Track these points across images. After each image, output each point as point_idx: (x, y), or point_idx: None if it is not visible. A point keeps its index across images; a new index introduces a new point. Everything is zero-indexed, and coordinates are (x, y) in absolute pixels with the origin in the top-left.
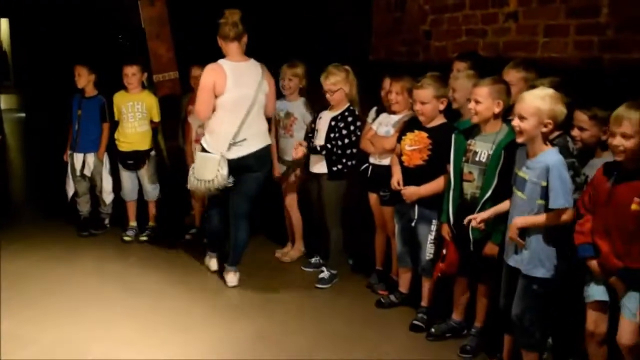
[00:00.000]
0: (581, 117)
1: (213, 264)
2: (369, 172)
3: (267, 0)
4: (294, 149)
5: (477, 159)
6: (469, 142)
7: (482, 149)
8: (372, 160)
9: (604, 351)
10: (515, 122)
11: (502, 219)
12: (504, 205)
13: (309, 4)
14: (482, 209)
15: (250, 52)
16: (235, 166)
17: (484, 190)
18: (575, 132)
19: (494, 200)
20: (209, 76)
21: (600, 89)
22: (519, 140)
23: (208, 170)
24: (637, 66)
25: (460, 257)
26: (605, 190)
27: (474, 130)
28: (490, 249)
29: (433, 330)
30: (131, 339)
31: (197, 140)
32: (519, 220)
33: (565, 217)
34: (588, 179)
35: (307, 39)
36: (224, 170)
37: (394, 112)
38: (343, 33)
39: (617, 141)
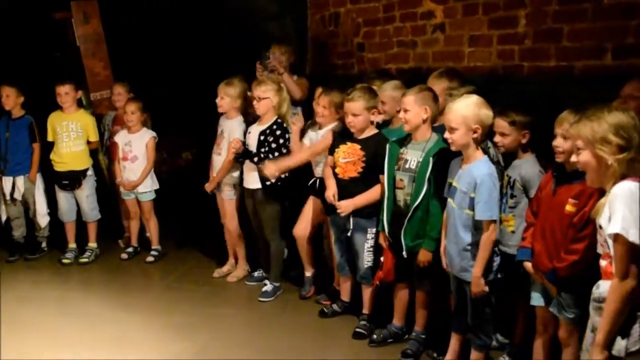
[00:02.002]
0: (501, 123)
1: None
2: (317, 185)
3: (202, 18)
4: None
5: (407, 166)
6: (401, 150)
7: (413, 156)
8: (318, 175)
9: (547, 347)
10: (446, 134)
11: (433, 226)
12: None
13: (246, 19)
14: (413, 216)
15: (189, 71)
16: None
17: (415, 197)
18: (497, 138)
19: (424, 207)
20: None
21: (520, 95)
22: (453, 148)
23: None
24: (553, 73)
25: (396, 264)
26: (548, 192)
27: (406, 140)
28: (424, 255)
29: (375, 336)
30: None
31: (125, 158)
32: (477, 271)
33: (491, 229)
34: (510, 179)
35: (245, 55)
36: None
37: (319, 126)
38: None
39: (557, 142)
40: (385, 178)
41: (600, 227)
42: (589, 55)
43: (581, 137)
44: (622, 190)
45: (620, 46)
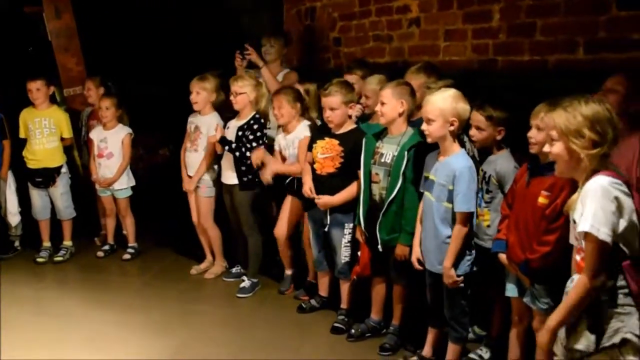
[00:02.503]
0: (478, 117)
1: None
2: (295, 185)
3: (176, 13)
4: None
5: (382, 160)
6: (377, 144)
7: (388, 150)
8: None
9: (522, 338)
10: (424, 125)
11: (408, 220)
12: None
13: (221, 14)
14: (388, 210)
15: (164, 66)
16: None
17: (390, 191)
18: (472, 132)
19: (399, 200)
20: None
21: (494, 89)
22: (430, 140)
23: None
24: (527, 67)
25: (373, 258)
26: (522, 184)
27: (382, 134)
28: (401, 249)
29: (353, 331)
30: None
31: (100, 155)
32: (447, 262)
33: (466, 221)
34: (486, 175)
35: (219, 50)
36: None
37: (283, 128)
38: (256, 44)
39: (532, 133)
40: (361, 172)
41: (575, 221)
42: (562, 49)
43: (555, 127)
44: (594, 186)
45: (592, 40)
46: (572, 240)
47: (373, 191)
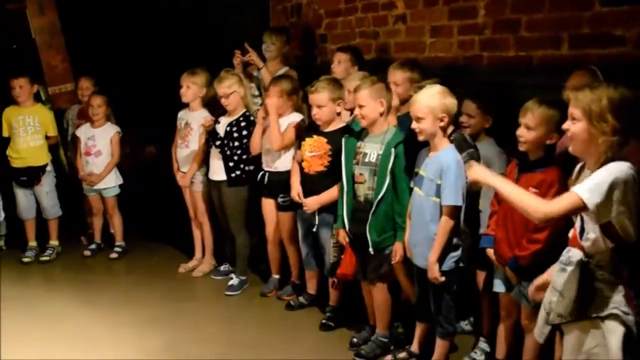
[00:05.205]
0: (470, 105)
1: None
2: (265, 180)
3: (162, 9)
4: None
5: (367, 160)
6: (358, 144)
7: (372, 150)
8: (266, 167)
9: (510, 333)
10: (413, 124)
11: (404, 217)
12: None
13: (207, 12)
14: (377, 210)
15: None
16: None
17: (377, 190)
18: (463, 118)
19: (388, 199)
20: None
21: (480, 85)
22: (421, 138)
23: None
24: (512, 63)
25: (358, 260)
26: (512, 180)
27: (362, 133)
28: (400, 247)
29: (363, 351)
30: None
31: (88, 153)
32: (432, 257)
33: (452, 215)
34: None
35: (206, 47)
36: None
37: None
38: (241, 40)
39: (520, 131)
40: (343, 173)
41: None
42: (546, 45)
43: (578, 107)
44: (614, 165)
45: (577, 36)
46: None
47: (357, 192)
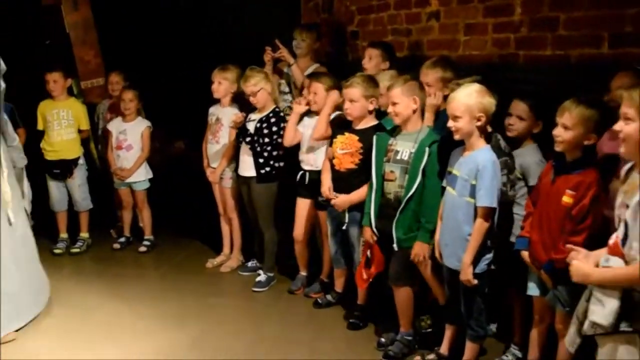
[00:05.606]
0: (521, 106)
1: None
2: (307, 179)
3: (193, 4)
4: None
5: (398, 157)
6: (390, 142)
7: (404, 147)
8: (307, 166)
9: (543, 338)
10: (450, 122)
11: (429, 218)
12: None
13: (237, 8)
14: (406, 207)
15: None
16: None
17: (408, 189)
18: (512, 121)
19: (418, 198)
20: None
21: (516, 84)
22: (456, 137)
23: None
24: (549, 62)
25: (386, 257)
26: (547, 181)
27: (394, 131)
28: (420, 247)
29: (391, 352)
30: (63, 354)
31: (119, 147)
32: (466, 258)
33: (487, 217)
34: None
35: (236, 43)
36: None
37: (315, 113)
38: (272, 36)
39: (557, 131)
40: (373, 170)
41: (627, 206)
42: (585, 44)
43: (633, 107)
44: None
45: (617, 35)
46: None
47: (387, 189)
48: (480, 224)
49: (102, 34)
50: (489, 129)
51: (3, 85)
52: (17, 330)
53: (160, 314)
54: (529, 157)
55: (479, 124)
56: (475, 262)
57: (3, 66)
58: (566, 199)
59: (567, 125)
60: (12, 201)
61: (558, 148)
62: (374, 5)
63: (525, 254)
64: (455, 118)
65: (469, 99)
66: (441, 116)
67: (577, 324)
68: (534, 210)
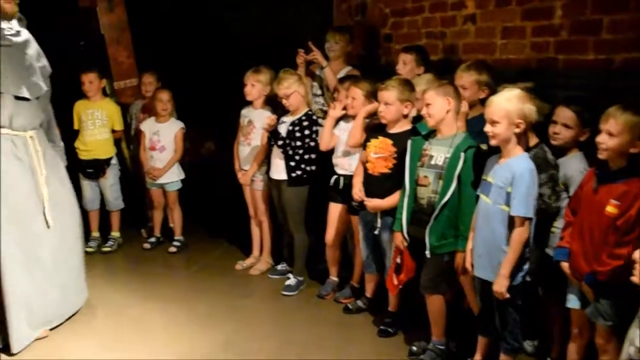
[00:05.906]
0: (568, 114)
1: None
2: (341, 184)
3: (230, 10)
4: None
5: (432, 162)
6: (424, 146)
7: (439, 152)
8: (341, 171)
9: (581, 353)
10: (487, 127)
11: (467, 225)
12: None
13: (271, 10)
14: (440, 214)
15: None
16: None
17: (442, 195)
18: (557, 129)
19: (452, 204)
20: None
21: (555, 89)
22: (493, 143)
23: None
24: (591, 66)
25: (417, 263)
26: (589, 190)
27: (429, 136)
28: (461, 257)
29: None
30: (93, 353)
31: (152, 148)
32: (504, 270)
33: (524, 226)
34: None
35: (268, 45)
36: None
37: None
38: (304, 39)
39: (601, 138)
40: (406, 175)
41: None
42: (630, 47)
43: None
44: None
45: None
46: None
47: (420, 194)
48: (518, 235)
49: (135, 34)
50: (536, 140)
51: (49, 87)
52: (51, 329)
53: (190, 314)
54: (573, 166)
55: (517, 130)
56: (511, 274)
57: (49, 68)
58: (610, 209)
59: (612, 133)
60: (50, 203)
61: (602, 156)
62: (408, 8)
63: (565, 265)
64: (493, 123)
65: (509, 104)
66: (472, 124)
67: (632, 349)
68: (574, 219)
